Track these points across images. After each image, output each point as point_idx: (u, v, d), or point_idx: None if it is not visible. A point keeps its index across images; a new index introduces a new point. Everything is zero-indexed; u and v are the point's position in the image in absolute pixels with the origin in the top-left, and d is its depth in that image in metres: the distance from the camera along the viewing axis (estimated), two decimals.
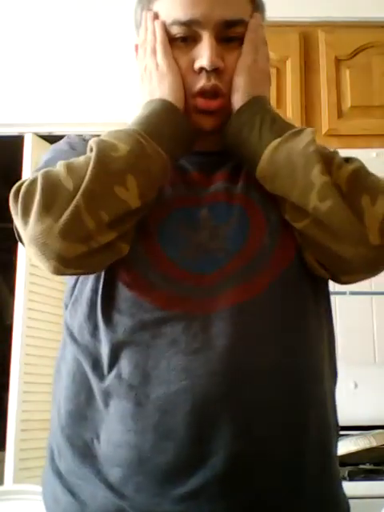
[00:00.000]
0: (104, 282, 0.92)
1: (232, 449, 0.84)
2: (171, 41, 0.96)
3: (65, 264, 0.84)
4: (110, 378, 0.89)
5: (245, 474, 0.85)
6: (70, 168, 0.85)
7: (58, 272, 0.86)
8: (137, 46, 1.03)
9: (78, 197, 0.82)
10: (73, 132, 2.74)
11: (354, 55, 2.40)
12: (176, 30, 0.95)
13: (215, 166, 1.00)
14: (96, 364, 0.91)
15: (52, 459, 0.94)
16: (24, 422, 2.53)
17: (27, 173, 2.62)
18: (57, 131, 2.71)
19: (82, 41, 2.72)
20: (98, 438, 0.89)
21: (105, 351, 0.90)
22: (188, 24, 0.94)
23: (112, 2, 2.68)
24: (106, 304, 0.91)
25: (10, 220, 0.89)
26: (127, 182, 0.84)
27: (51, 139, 2.75)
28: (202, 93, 0.95)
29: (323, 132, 2.33)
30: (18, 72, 2.71)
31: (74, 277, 0.97)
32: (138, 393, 0.86)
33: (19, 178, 2.64)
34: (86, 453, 0.90)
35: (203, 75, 0.94)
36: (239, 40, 0.97)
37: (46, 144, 2.76)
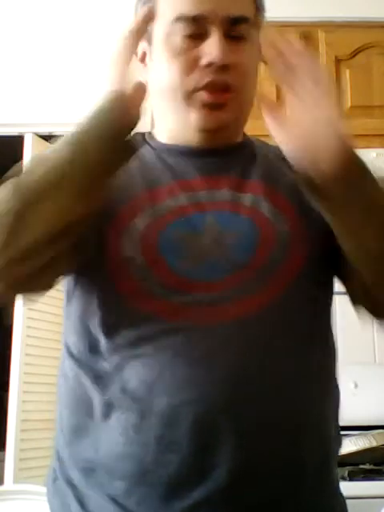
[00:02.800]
0: (103, 294, 0.91)
1: (235, 460, 0.84)
2: (175, 35, 0.93)
3: (7, 288, 0.85)
4: (113, 391, 0.87)
5: (247, 485, 0.84)
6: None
7: (6, 296, 0.88)
8: None
9: (5, 221, 0.80)
10: None
11: (354, 55, 2.40)
12: (181, 25, 0.93)
13: (219, 168, 0.97)
14: (97, 377, 0.89)
15: (62, 469, 0.93)
16: (24, 422, 2.53)
17: None
18: (57, 131, 2.71)
19: (81, 41, 2.72)
20: (100, 451, 0.88)
21: (107, 364, 0.89)
22: (195, 19, 0.92)
23: (112, 2, 2.68)
24: (106, 316, 0.90)
25: None
26: (49, 201, 0.81)
27: (51, 139, 2.75)
28: (210, 86, 0.92)
29: None
30: (18, 72, 2.71)
31: (70, 292, 0.96)
32: (141, 405, 0.85)
33: None
34: (89, 466, 0.89)
35: (211, 70, 0.91)
36: (243, 38, 0.94)
37: (46, 144, 2.76)
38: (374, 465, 1.93)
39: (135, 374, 0.86)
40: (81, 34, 2.72)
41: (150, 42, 0.98)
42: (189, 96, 0.93)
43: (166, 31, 0.94)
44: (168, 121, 1.00)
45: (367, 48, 2.41)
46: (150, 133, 1.06)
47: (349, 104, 2.36)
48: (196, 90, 0.92)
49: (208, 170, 0.97)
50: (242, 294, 0.88)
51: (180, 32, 0.93)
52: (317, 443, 0.90)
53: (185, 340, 0.86)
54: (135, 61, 0.97)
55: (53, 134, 2.73)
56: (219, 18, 0.92)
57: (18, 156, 2.76)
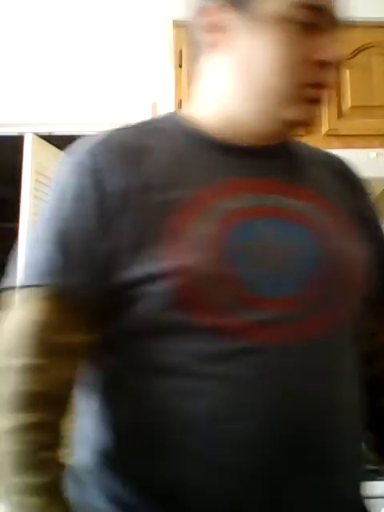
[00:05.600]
0: (166, 309, 0.81)
1: (305, 499, 0.80)
2: (292, 21, 0.86)
3: None
4: (189, 412, 0.79)
5: None
6: None
7: None
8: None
9: None
10: (73, 132, 2.75)
11: (354, 55, 2.40)
12: (304, 12, 0.86)
13: (266, 168, 0.90)
14: (172, 396, 0.80)
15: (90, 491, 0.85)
16: None
17: (27, 173, 2.62)
18: (57, 131, 2.72)
19: (81, 41, 2.72)
20: (165, 476, 0.80)
21: (183, 382, 0.80)
22: (319, 11, 0.87)
23: (112, 3, 2.68)
24: (176, 333, 0.81)
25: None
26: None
27: (51, 139, 2.75)
28: (323, 84, 0.87)
29: (323, 132, 2.32)
30: (17, 72, 2.71)
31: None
32: (221, 428, 0.78)
33: (19, 178, 2.64)
34: (144, 493, 0.81)
35: (326, 68, 0.87)
36: None
37: (46, 144, 2.76)
38: (374, 465, 1.93)
39: (213, 395, 0.78)
40: (81, 34, 2.72)
41: (253, 16, 0.88)
42: (296, 88, 0.87)
43: (282, 12, 0.86)
44: (238, 105, 0.90)
45: (367, 48, 2.40)
46: (182, 116, 0.94)
47: (349, 104, 2.35)
48: (305, 84, 0.86)
49: (260, 171, 0.89)
50: (314, 310, 0.82)
51: (300, 19, 0.86)
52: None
53: (268, 361, 0.79)
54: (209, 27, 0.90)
55: (53, 133, 2.73)
56: (332, 19, 0.89)
57: (18, 156, 2.77)
